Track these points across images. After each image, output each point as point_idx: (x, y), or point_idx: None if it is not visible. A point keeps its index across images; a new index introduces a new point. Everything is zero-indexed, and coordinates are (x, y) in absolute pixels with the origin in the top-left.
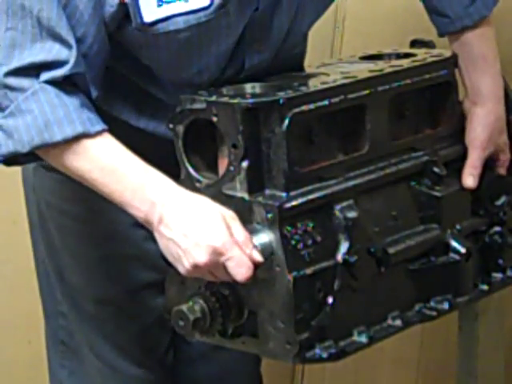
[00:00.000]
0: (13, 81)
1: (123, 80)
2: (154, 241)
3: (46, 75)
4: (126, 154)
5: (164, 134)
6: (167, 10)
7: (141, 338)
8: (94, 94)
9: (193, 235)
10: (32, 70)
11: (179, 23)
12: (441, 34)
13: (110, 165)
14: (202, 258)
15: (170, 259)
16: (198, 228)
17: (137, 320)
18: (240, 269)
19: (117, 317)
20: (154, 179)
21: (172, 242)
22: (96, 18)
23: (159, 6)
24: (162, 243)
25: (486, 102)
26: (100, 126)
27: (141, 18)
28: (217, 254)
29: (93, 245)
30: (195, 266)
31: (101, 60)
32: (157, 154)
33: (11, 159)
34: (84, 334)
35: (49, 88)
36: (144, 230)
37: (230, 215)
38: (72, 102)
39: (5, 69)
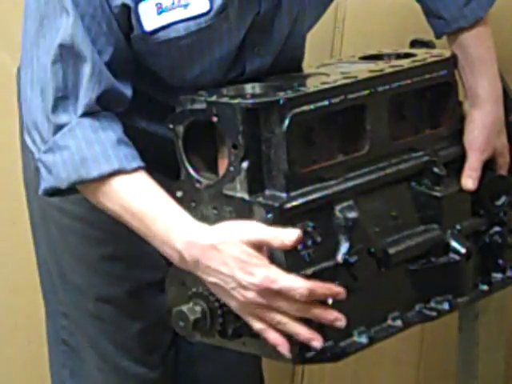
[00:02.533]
0: (52, 117)
1: None
2: None
3: (81, 106)
4: (156, 196)
5: (165, 135)
6: (167, 18)
7: (142, 337)
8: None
9: (233, 277)
10: (70, 101)
11: (180, 30)
12: (437, 36)
13: (139, 208)
14: (251, 295)
15: (220, 298)
16: (235, 269)
17: (138, 319)
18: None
19: (118, 316)
20: (179, 225)
21: (216, 286)
22: (116, 32)
23: (159, 14)
24: (208, 285)
25: (483, 104)
26: (136, 162)
27: (141, 26)
28: (263, 288)
29: (94, 244)
30: (249, 302)
31: (130, 64)
32: (159, 154)
33: (54, 192)
34: (86, 333)
35: (86, 123)
36: None
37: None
38: (109, 138)
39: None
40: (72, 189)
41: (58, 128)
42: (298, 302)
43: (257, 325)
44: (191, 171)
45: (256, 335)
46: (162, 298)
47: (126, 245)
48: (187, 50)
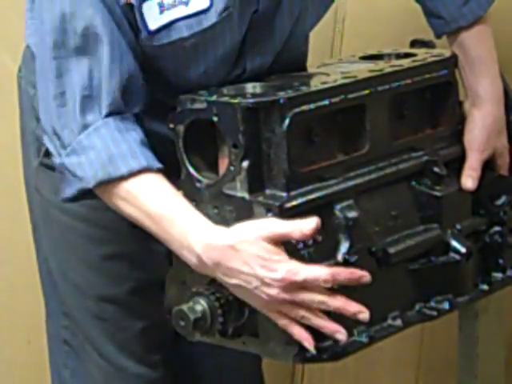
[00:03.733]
0: (80, 117)
1: None
2: (156, 240)
3: (105, 105)
4: (174, 199)
5: (167, 134)
6: (169, 16)
7: (144, 337)
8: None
9: (255, 276)
10: (95, 100)
11: (182, 30)
12: (437, 36)
13: (158, 212)
14: (275, 292)
15: (243, 298)
16: (256, 268)
17: (140, 319)
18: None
19: (120, 316)
20: (196, 228)
21: (238, 287)
22: (128, 32)
23: (161, 12)
24: (230, 287)
25: (483, 104)
26: (160, 164)
27: (146, 26)
28: (287, 283)
29: (95, 244)
30: (273, 299)
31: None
32: (160, 153)
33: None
34: (87, 333)
35: (111, 123)
36: None
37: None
38: (134, 138)
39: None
40: (86, 194)
41: (83, 128)
42: (322, 293)
43: (281, 321)
44: (192, 171)
45: (256, 335)
46: (163, 297)
47: (127, 244)
48: (192, 51)
